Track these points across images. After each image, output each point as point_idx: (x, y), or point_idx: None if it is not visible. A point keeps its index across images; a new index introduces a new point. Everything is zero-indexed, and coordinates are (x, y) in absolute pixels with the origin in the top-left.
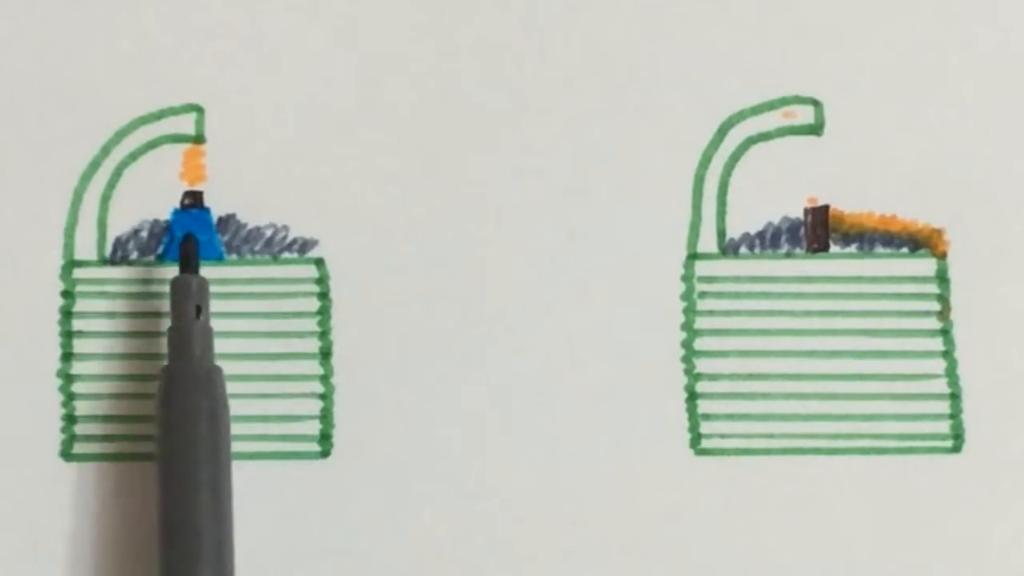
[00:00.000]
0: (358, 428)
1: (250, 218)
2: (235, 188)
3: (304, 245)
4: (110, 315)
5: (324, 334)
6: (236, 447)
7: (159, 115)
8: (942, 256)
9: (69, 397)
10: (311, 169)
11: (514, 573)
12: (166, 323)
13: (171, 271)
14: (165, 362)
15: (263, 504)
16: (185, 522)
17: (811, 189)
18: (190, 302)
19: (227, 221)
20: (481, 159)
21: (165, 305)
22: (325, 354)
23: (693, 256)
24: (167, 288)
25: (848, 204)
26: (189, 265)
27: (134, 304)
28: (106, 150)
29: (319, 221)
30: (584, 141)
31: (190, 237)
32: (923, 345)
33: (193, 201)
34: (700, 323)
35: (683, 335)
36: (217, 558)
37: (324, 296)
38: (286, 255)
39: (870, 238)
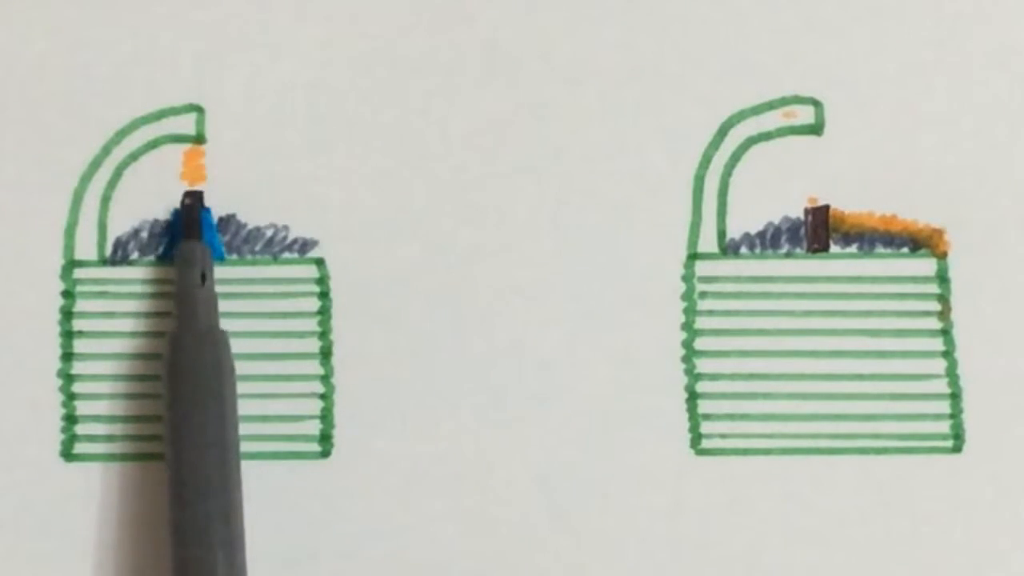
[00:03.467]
0: (358, 428)
1: (250, 218)
2: (235, 188)
3: (304, 245)
4: (110, 315)
5: (324, 334)
6: None
7: (159, 115)
8: (942, 256)
9: (69, 397)
10: (311, 169)
11: (514, 573)
12: (166, 323)
13: (171, 271)
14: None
15: (263, 504)
16: (194, 484)
17: (811, 189)
18: (195, 268)
19: (227, 221)
20: (481, 159)
21: (165, 305)
22: (325, 354)
23: (693, 256)
24: (167, 288)
25: (848, 204)
26: (193, 231)
27: (134, 304)
28: (106, 150)
29: (319, 221)
30: (584, 141)
31: (192, 202)
32: (923, 345)
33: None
34: (700, 323)
35: (683, 335)
36: (226, 518)
37: (324, 296)
38: (286, 255)
39: (870, 238)
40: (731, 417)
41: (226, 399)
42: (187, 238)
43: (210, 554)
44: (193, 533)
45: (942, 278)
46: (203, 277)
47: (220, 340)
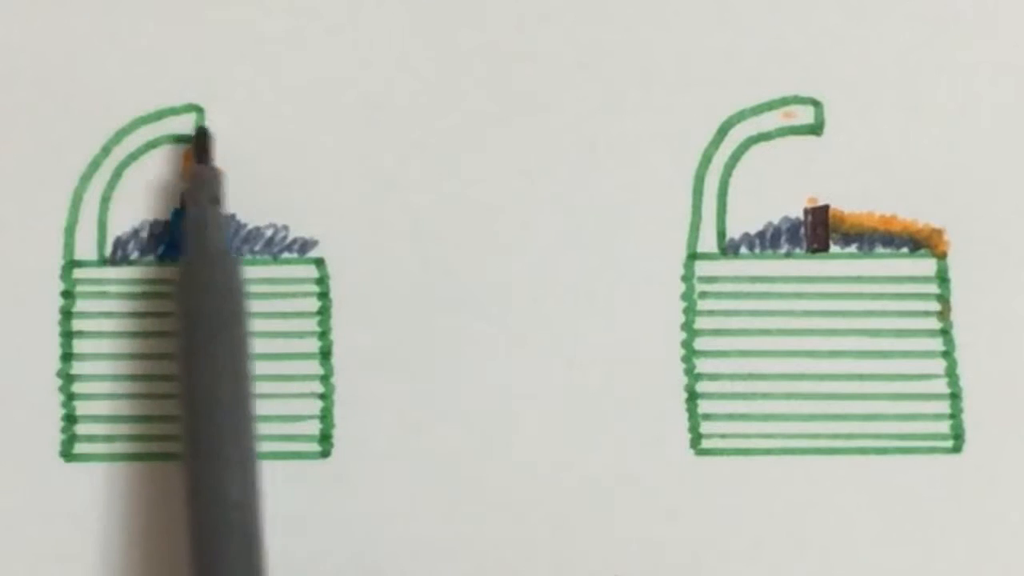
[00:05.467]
0: (358, 428)
1: (250, 218)
2: (235, 188)
3: (304, 245)
4: (110, 315)
5: (324, 334)
6: None
7: (159, 115)
8: (942, 256)
9: (69, 397)
10: (311, 169)
11: (514, 573)
12: (166, 323)
13: (171, 271)
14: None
15: (263, 504)
16: (208, 404)
17: (811, 189)
18: (205, 191)
19: (227, 221)
20: (481, 159)
21: (165, 305)
22: (325, 354)
23: (693, 256)
24: (167, 288)
25: (848, 204)
26: (203, 156)
27: (134, 304)
28: (106, 150)
29: (319, 221)
30: (584, 141)
31: (203, 128)
32: (923, 345)
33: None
34: (700, 323)
35: (683, 335)
36: (239, 433)
37: (324, 296)
38: (286, 255)
39: (870, 238)
40: (731, 417)
41: (239, 323)
42: (198, 162)
43: (224, 472)
44: (207, 453)
45: (942, 278)
46: (215, 200)
47: (232, 263)
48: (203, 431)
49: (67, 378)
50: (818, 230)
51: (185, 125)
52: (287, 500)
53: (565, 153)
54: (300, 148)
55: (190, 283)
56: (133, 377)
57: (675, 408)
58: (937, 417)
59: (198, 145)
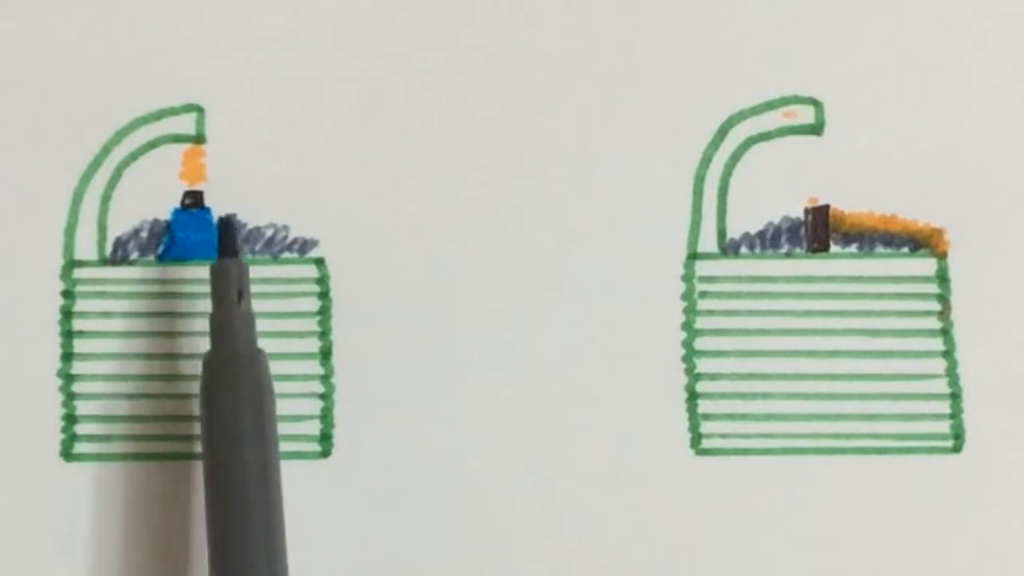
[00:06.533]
0: (358, 428)
1: (250, 218)
2: (235, 188)
3: (304, 245)
4: (110, 315)
5: (324, 334)
6: None
7: (159, 115)
8: (942, 256)
9: (69, 397)
10: (311, 169)
11: (513, 573)
12: (165, 322)
13: (171, 271)
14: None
15: None
16: (234, 512)
17: (811, 189)
18: (231, 287)
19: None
20: (481, 159)
21: (165, 305)
22: (325, 354)
23: (693, 256)
24: (167, 288)
25: (848, 204)
26: (228, 249)
27: (134, 304)
28: (106, 150)
29: (319, 221)
30: (584, 141)
31: (228, 220)
32: (923, 345)
33: (193, 201)
34: (700, 323)
35: (683, 335)
36: (267, 546)
37: (324, 296)
38: (286, 255)
39: (870, 238)
40: (731, 417)
41: (266, 426)
42: (222, 255)
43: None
44: (235, 557)
45: (942, 278)
46: (239, 296)
47: (259, 363)
48: (232, 545)
49: (67, 378)
50: (818, 230)
51: (185, 125)
52: (287, 500)
53: (565, 153)
54: (300, 148)
55: (215, 384)
56: (133, 377)
57: (675, 408)
58: (937, 417)
59: (223, 237)
